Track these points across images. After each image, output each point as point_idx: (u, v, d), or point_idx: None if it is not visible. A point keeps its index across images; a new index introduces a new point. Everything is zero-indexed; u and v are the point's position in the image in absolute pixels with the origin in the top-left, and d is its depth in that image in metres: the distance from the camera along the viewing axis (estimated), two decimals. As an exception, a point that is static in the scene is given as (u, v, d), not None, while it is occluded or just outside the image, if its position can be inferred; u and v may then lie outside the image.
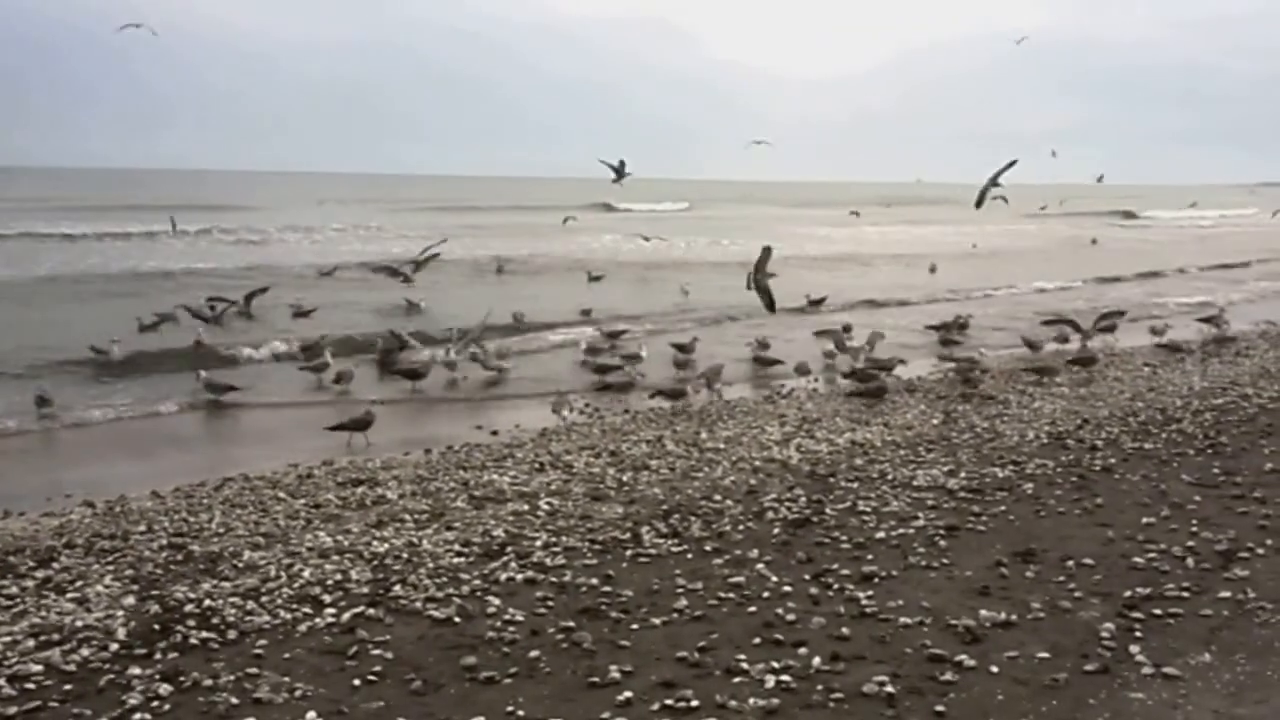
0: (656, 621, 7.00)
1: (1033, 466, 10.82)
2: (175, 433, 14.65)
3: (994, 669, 6.23)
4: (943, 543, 8.50)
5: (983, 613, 6.96)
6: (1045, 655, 6.38)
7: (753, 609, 7.19)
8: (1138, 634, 6.68)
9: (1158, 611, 6.99)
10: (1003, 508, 9.43)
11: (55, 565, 8.58)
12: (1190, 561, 7.92)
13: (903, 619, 6.96)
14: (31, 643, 6.93)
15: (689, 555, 8.34)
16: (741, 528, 8.99)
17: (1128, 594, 7.28)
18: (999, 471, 10.67)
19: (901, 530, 8.81)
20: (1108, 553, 8.16)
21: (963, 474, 10.58)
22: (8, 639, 7.00)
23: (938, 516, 9.19)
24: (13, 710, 6.02)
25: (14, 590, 8.01)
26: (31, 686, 6.33)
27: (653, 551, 8.44)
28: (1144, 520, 8.95)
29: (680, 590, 7.54)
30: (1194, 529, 8.66)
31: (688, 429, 13.31)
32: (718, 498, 9.90)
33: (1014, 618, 6.93)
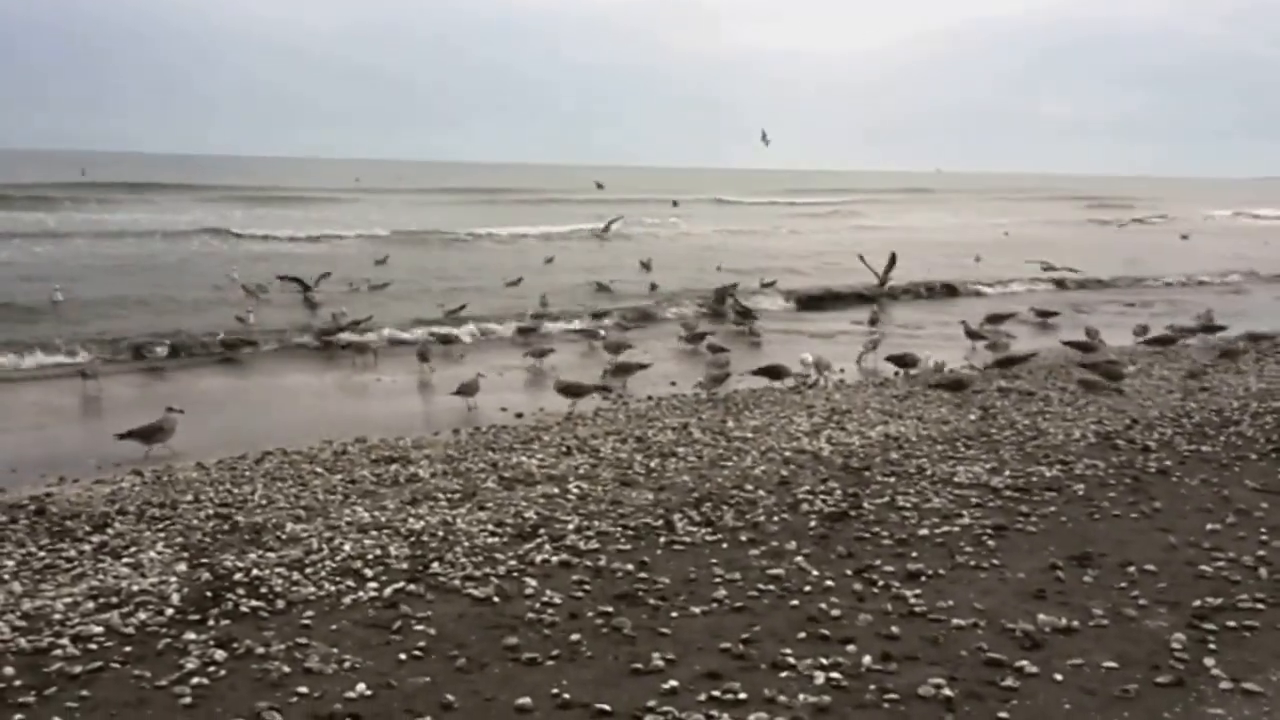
0: (696, 610, 7.11)
1: (1081, 466, 10.69)
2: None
3: (1058, 677, 6.12)
4: (991, 542, 8.44)
5: (1041, 617, 6.86)
6: (1112, 665, 6.25)
7: (795, 602, 7.25)
8: (1211, 646, 6.50)
9: (1231, 623, 6.79)
10: (1053, 508, 9.33)
11: (110, 531, 8.82)
12: (1263, 572, 7.68)
13: (955, 620, 6.89)
14: (91, 604, 7.16)
15: (724, 545, 8.45)
16: (776, 519, 9.08)
17: (1197, 603, 7.10)
18: (1045, 471, 10.57)
19: (946, 528, 8.78)
20: (1171, 559, 8.00)
21: (1007, 472, 10.51)
22: (69, 600, 7.23)
23: (984, 515, 9.14)
24: (77, 669, 6.22)
25: (72, 553, 8.25)
26: (94, 647, 6.54)
27: (687, 540, 8.56)
28: (1208, 527, 8.73)
29: (718, 580, 7.65)
30: (1264, 537, 8.44)
31: (713, 417, 13.44)
32: (749, 487, 10.01)
33: (1075, 624, 6.80)
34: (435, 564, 8.00)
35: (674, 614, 7.08)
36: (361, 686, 6.04)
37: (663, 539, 8.60)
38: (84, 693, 5.96)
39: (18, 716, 5.69)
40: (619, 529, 8.83)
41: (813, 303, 27.60)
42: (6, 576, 7.75)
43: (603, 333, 21.04)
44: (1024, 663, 6.29)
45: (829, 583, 7.58)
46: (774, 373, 16.03)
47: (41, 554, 8.25)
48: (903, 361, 17.00)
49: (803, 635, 6.72)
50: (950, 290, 29.73)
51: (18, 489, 10.20)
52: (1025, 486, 10.01)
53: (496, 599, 7.36)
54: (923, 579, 7.67)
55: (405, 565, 7.99)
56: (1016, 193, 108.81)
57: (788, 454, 11.38)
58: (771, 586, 7.54)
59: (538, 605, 7.21)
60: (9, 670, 6.19)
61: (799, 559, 8.07)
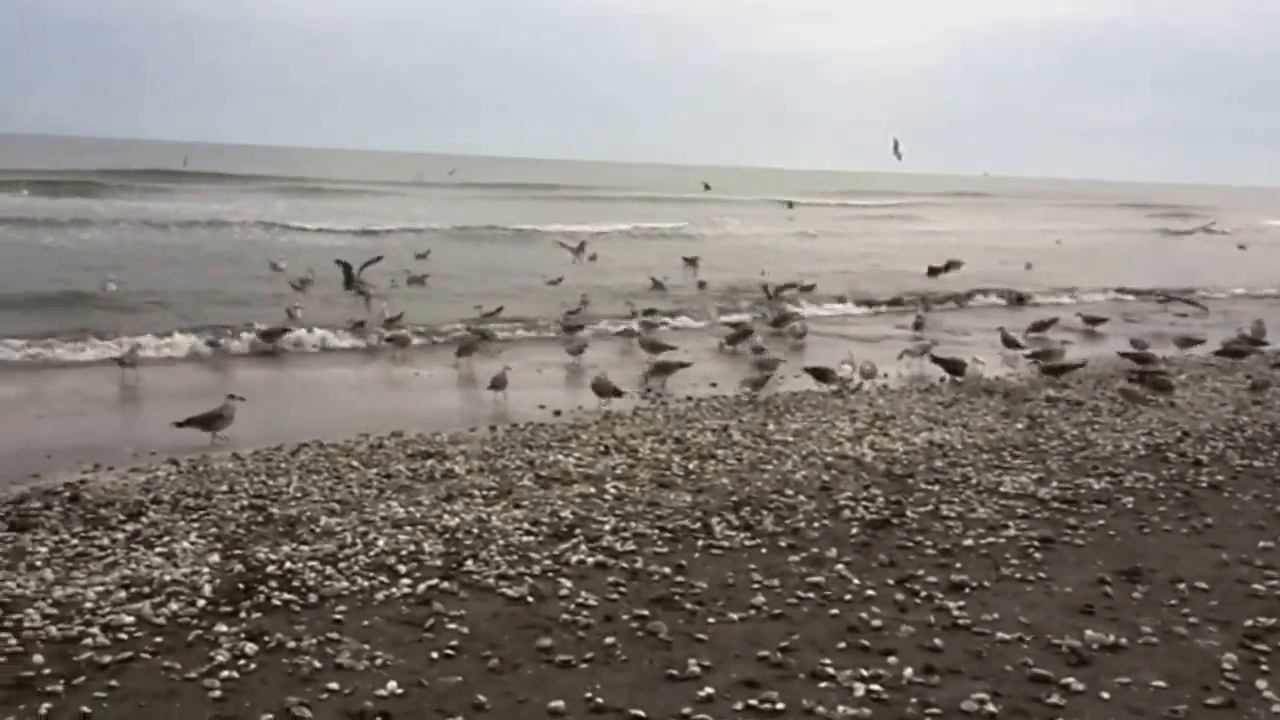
0: (734, 617, 7.03)
1: (1131, 479, 10.53)
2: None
3: (1105, 695, 6.02)
4: (1038, 555, 8.30)
5: (1088, 633, 6.73)
6: (1161, 684, 6.13)
7: (835, 611, 7.16)
8: (1264, 667, 6.37)
9: (1286, 645, 6.64)
10: (1101, 521, 9.17)
11: (144, 520, 8.86)
12: (1320, 594, 7.49)
13: (1000, 634, 6.78)
14: (123, 594, 7.18)
15: (763, 550, 8.36)
16: (817, 525, 8.98)
17: (1249, 623, 6.96)
18: (1094, 483, 10.40)
19: (991, 539, 8.66)
20: (1222, 576, 7.85)
21: (1054, 483, 10.34)
22: (100, 589, 7.25)
23: (1030, 526, 9.01)
24: (107, 659, 6.23)
25: (105, 542, 8.29)
26: (124, 637, 6.55)
27: (725, 544, 8.48)
28: (1261, 544, 8.57)
29: (756, 586, 7.56)
30: (1321, 558, 8.26)
31: (754, 420, 13.33)
32: (789, 492, 9.91)
33: (1123, 641, 6.68)
34: (469, 561, 7.97)
35: (711, 619, 7.00)
36: (393, 684, 6.01)
37: (700, 542, 8.52)
38: (113, 683, 5.97)
39: (46, 705, 5.69)
40: (656, 531, 8.76)
41: (860, 305, 27.31)
42: (39, 563, 7.80)
43: (638, 329, 20.98)
44: (1070, 680, 6.17)
45: (870, 592, 7.48)
46: (821, 374, 15.91)
47: (74, 541, 8.30)
48: (951, 367, 16.81)
49: (843, 645, 6.62)
50: (1019, 299, 29.16)
51: (53, 475, 10.28)
52: (1073, 498, 9.85)
53: (531, 599, 7.32)
54: (967, 590, 7.55)
55: (439, 562, 7.97)
56: (1067, 198, 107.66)
57: (829, 459, 11.26)
58: (811, 594, 7.44)
59: (572, 606, 7.16)
60: (38, 658, 6.21)
61: (840, 567, 7.97)
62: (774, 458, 11.30)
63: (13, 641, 6.43)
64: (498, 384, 14.79)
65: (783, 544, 8.50)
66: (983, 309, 27.75)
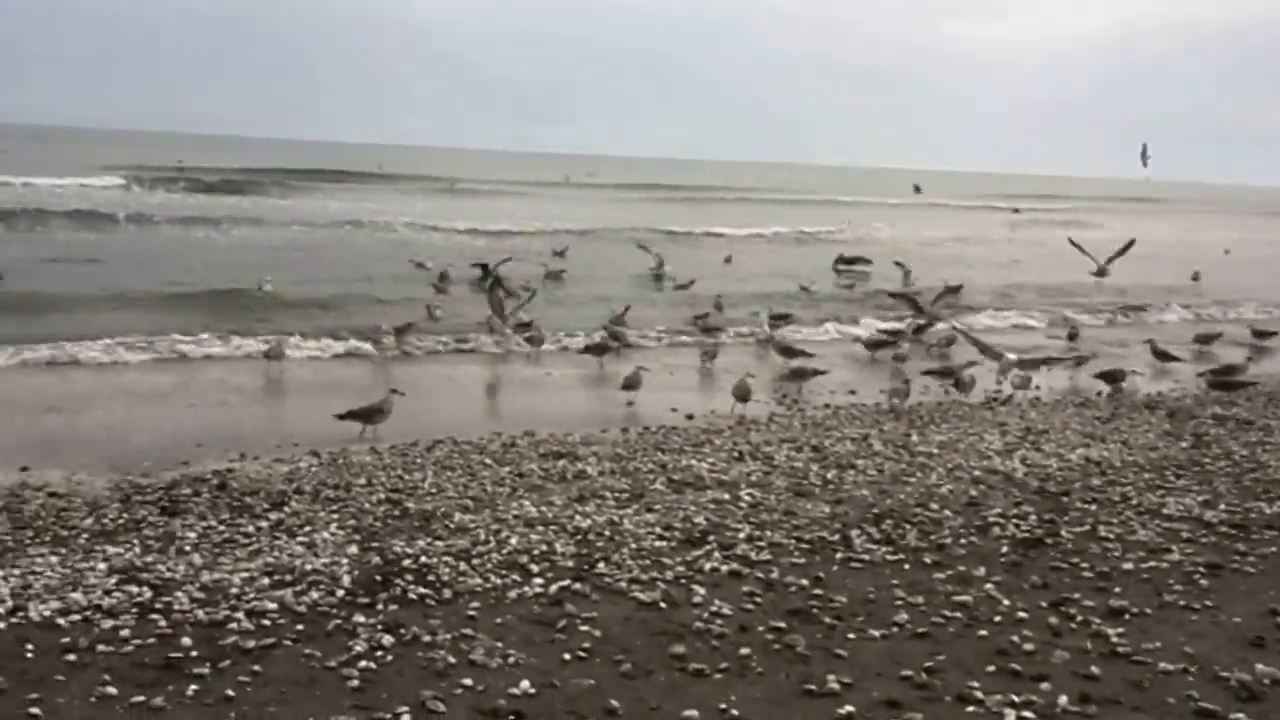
0: (875, 633, 6.92)
1: None
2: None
3: None
4: (1204, 582, 7.95)
5: (1259, 667, 6.41)
6: None
7: (983, 632, 6.98)
8: None
9: None
10: (1273, 549, 8.74)
11: (286, 509, 9.20)
12: None
13: (1162, 664, 6.51)
14: (266, 581, 7.47)
15: (906, 565, 8.21)
16: (964, 541, 8.78)
17: None
18: (1265, 507, 9.90)
19: (1153, 563, 8.33)
20: None
21: (1222, 506, 9.89)
22: (245, 575, 7.56)
23: (1195, 551, 8.64)
24: (250, 644, 6.48)
25: (250, 529, 8.64)
26: (267, 623, 6.81)
27: (865, 557, 8.36)
28: None
29: (899, 602, 7.43)
30: None
31: (895, 429, 13.12)
32: (934, 506, 9.71)
33: None
34: (601, 564, 8.04)
35: (851, 635, 6.91)
36: (525, 684, 6.09)
37: (839, 555, 8.42)
38: (256, 668, 6.20)
39: (193, 687, 5.95)
40: (792, 541, 8.69)
41: (1009, 312, 26.55)
42: (188, 548, 8.16)
43: (768, 333, 20.81)
44: (1239, 715, 5.89)
45: (1021, 614, 7.25)
46: (945, 375, 15.59)
47: (221, 528, 8.66)
48: (1112, 378, 16.25)
49: (991, 668, 6.44)
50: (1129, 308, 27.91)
51: (202, 463, 10.76)
52: (1242, 523, 9.39)
53: (663, 605, 7.34)
54: (1126, 617, 7.26)
55: (571, 563, 8.06)
56: (1247, 207, 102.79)
57: (977, 473, 11.00)
58: (958, 614, 7.27)
59: (706, 615, 7.15)
60: (186, 641, 6.50)
61: (988, 586, 7.76)
62: (917, 470, 11.10)
63: (163, 623, 6.75)
64: (631, 384, 14.89)
65: (927, 560, 8.33)
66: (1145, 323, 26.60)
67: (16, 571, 7.52)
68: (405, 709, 5.78)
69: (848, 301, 27.23)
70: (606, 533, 8.77)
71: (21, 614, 6.81)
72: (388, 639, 6.60)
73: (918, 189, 65.99)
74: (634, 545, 8.47)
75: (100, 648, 6.39)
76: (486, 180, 78.31)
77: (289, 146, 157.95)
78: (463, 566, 7.88)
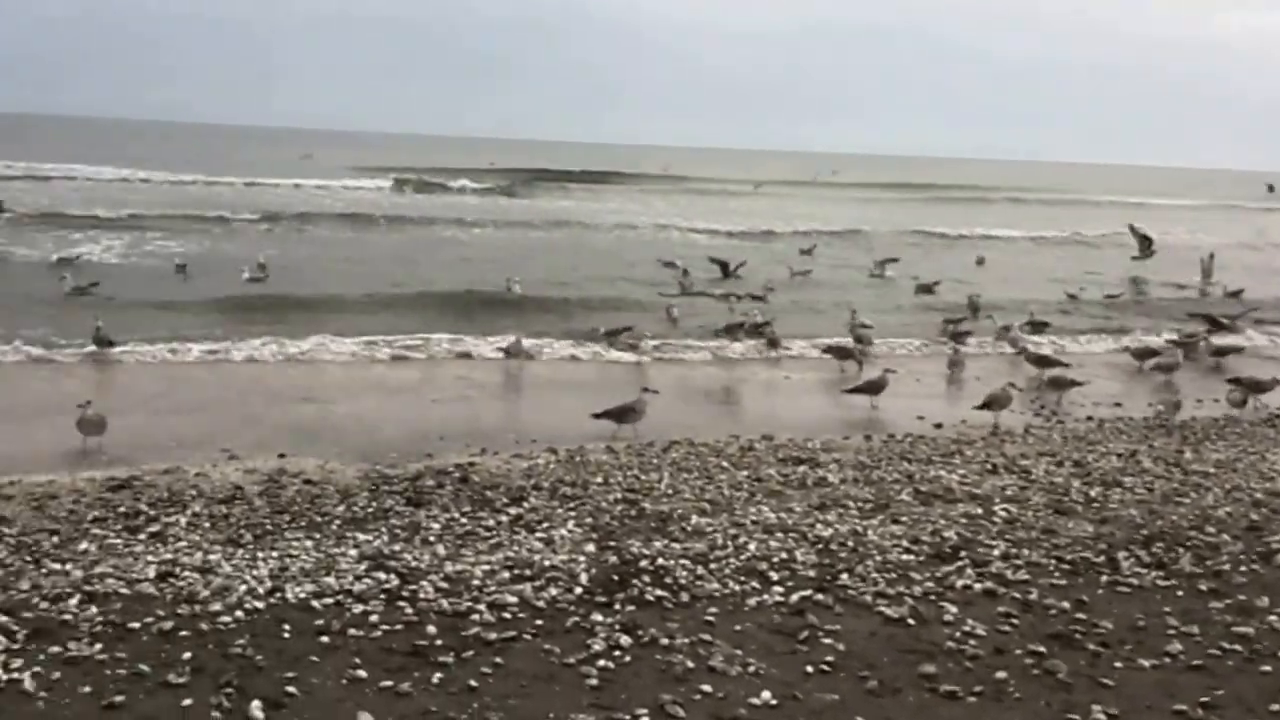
0: (1144, 663, 6.51)
1: None
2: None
3: None
4: None
5: None
6: None
7: (1267, 668, 6.49)
8: None
9: None
10: None
11: (525, 504, 9.45)
12: None
13: None
14: (506, 574, 7.69)
15: (1179, 592, 7.70)
16: (1244, 569, 8.17)
17: None
18: None
19: None
20: None
21: None
22: (486, 568, 7.81)
23: None
24: (492, 636, 6.68)
25: (491, 523, 8.93)
26: (508, 616, 7.00)
27: (1134, 581, 7.88)
28: None
29: (1171, 631, 6.98)
30: None
31: (1167, 445, 12.32)
32: (1210, 529, 9.06)
33: None
34: (844, 575, 7.89)
35: (1118, 664, 6.53)
36: (766, 694, 6.04)
37: (1104, 578, 7.97)
38: (498, 660, 6.38)
39: (438, 675, 6.18)
40: (1052, 561, 8.28)
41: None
42: (432, 539, 8.50)
43: (1018, 339, 19.95)
44: None
45: (1312, 650, 6.66)
46: (1254, 386, 14.57)
47: (463, 520, 8.98)
48: None
49: (1275, 707, 5.97)
50: None
51: (444, 456, 11.21)
52: None
53: (911, 621, 7.14)
54: None
55: (812, 573, 7.94)
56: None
57: (1259, 495, 10.22)
58: (1237, 646, 6.77)
59: (958, 634, 6.91)
60: (431, 629, 6.75)
61: (1272, 618, 7.18)
62: (1191, 490, 10.39)
63: (409, 610, 7.04)
64: (874, 388, 14.58)
65: (1203, 587, 7.79)
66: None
67: (275, 554, 8.02)
68: (644, 711, 5.83)
69: (1121, 310, 25.81)
70: (849, 543, 8.61)
71: (279, 595, 7.25)
72: (625, 639, 6.67)
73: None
74: (879, 557, 8.29)
75: (351, 631, 6.72)
76: (731, 180, 78.98)
77: (572, 148, 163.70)
78: (700, 570, 7.88)
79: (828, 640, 6.80)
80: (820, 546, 8.51)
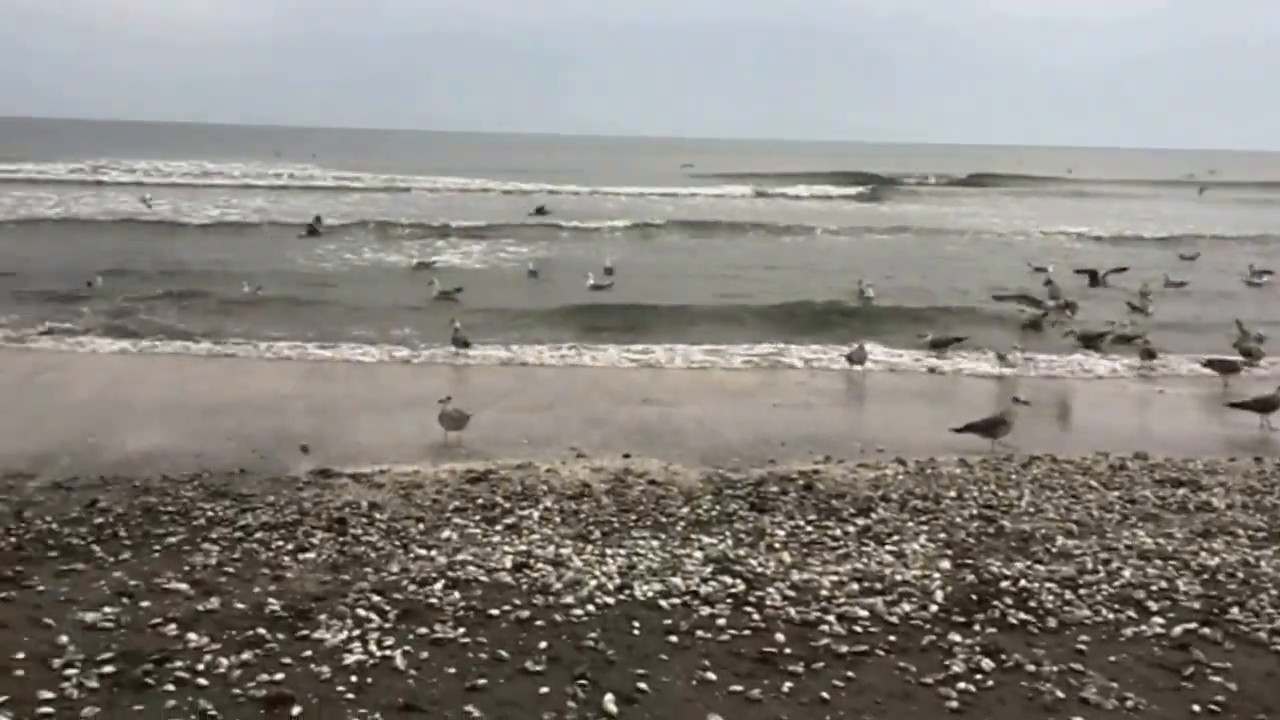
0: None
1: None
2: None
3: None
4: None
5: None
6: None
7: None
8: None
9: None
10: None
11: (873, 515, 9.27)
12: None
13: None
14: (855, 586, 7.55)
15: None
16: None
17: None
18: None
19: None
20: None
21: None
22: (834, 578, 7.70)
23: None
24: (843, 649, 6.56)
25: (838, 533, 8.81)
26: (859, 630, 6.87)
27: None
28: None
29: None
30: None
31: None
32: None
33: None
34: (1235, 609, 7.25)
35: None
36: (1152, 731, 5.58)
37: None
38: (850, 673, 6.26)
39: (788, 684, 6.13)
40: None
41: None
42: (777, 545, 8.47)
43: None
44: None
45: None
46: None
47: (809, 529, 8.90)
48: None
49: None
50: None
51: (787, 463, 11.17)
52: None
53: (1321, 665, 6.38)
54: None
55: (1197, 605, 7.36)
56: None
57: None
58: None
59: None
60: (780, 637, 6.72)
61: None
62: None
63: (756, 617, 7.04)
64: (1266, 405, 13.26)
65: None
66: None
67: (622, 551, 8.25)
68: (1012, 739, 5.52)
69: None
70: (1240, 574, 7.91)
71: (628, 591, 7.45)
72: (987, 663, 6.39)
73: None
74: (1275, 592, 7.55)
75: (699, 633, 6.79)
76: (1097, 180, 75.26)
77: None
78: (1068, 595, 7.46)
79: (1216, 678, 6.27)
80: (1205, 577, 7.86)
